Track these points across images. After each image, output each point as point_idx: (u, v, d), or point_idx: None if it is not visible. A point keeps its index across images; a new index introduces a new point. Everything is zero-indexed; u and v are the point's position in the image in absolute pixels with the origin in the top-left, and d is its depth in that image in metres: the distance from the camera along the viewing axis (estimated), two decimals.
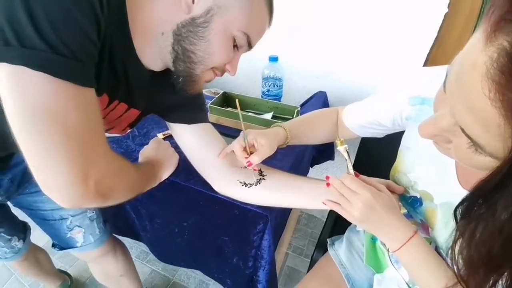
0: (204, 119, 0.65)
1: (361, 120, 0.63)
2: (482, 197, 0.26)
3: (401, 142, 0.57)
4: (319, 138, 0.70)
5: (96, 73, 0.38)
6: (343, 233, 0.79)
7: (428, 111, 0.49)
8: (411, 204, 0.53)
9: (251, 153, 0.57)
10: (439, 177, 0.48)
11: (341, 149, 0.51)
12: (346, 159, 0.51)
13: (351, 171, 0.50)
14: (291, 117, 0.90)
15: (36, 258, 0.96)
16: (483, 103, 0.23)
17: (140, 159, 0.70)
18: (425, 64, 0.96)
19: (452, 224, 0.45)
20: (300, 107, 0.90)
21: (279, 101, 1.01)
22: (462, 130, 0.27)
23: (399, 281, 0.58)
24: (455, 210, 0.29)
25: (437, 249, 0.49)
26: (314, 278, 0.66)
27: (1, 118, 0.43)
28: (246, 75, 1.10)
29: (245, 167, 0.64)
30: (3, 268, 1.28)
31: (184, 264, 1.00)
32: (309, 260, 1.33)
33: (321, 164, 1.20)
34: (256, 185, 0.61)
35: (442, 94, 0.29)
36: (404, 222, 0.46)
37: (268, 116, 0.88)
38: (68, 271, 1.24)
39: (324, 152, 1.15)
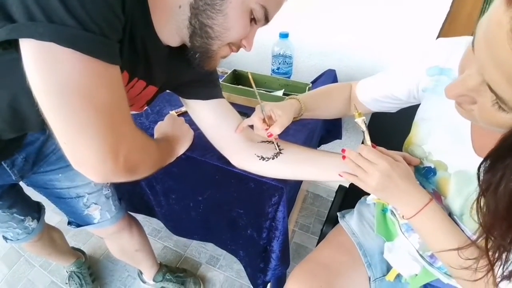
0: (220, 95, 0.65)
1: (375, 94, 0.64)
2: (507, 150, 0.27)
3: (416, 114, 0.58)
4: (332, 112, 0.71)
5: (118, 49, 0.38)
6: (352, 208, 0.82)
7: (445, 82, 0.50)
8: (424, 175, 0.54)
9: (270, 125, 0.59)
10: (454, 147, 0.49)
11: (359, 120, 0.52)
12: (363, 131, 0.52)
13: (369, 142, 0.52)
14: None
15: (50, 237, 0.97)
16: (509, 57, 0.26)
17: (156, 135, 0.72)
18: None
19: (466, 191, 0.47)
20: (311, 84, 0.90)
21: (289, 79, 1.02)
22: (489, 86, 0.28)
23: (409, 249, 0.61)
24: (478, 168, 0.31)
25: (450, 215, 0.51)
26: (327, 246, 0.69)
27: (22, 99, 0.43)
28: (256, 53, 1.10)
29: (263, 141, 0.66)
30: (11, 250, 1.31)
31: (197, 237, 1.03)
32: (316, 238, 1.38)
33: (328, 144, 1.22)
34: (273, 158, 0.63)
35: (469, 55, 0.31)
36: (420, 190, 0.48)
37: (279, 93, 0.89)
38: (82, 249, 1.28)
39: (332, 132, 1.16)
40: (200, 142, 0.77)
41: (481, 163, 0.31)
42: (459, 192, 0.49)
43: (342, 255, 0.65)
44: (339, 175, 0.55)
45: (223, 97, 0.66)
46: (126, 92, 0.50)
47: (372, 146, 0.51)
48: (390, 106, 0.64)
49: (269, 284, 0.99)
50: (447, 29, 0.93)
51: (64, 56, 0.31)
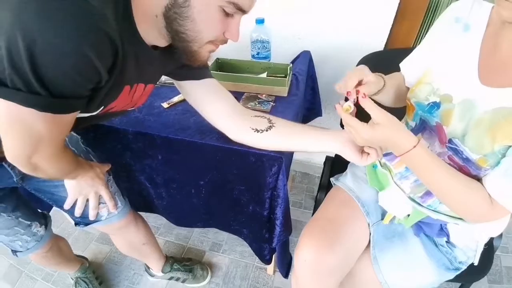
0: (210, 75, 0.71)
1: (419, 70, 0.67)
2: None
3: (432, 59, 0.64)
4: (396, 100, 0.74)
5: (113, 78, 0.47)
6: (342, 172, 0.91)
7: (458, 30, 0.60)
8: (428, 111, 0.62)
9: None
10: (461, 79, 0.57)
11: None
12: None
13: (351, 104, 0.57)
14: (283, 75, 0.98)
15: (58, 246, 0.97)
16: None
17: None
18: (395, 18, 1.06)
19: (468, 115, 0.55)
20: (291, 64, 0.97)
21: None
22: None
23: (400, 194, 0.69)
24: None
25: (451, 140, 0.59)
26: (329, 204, 0.77)
27: None
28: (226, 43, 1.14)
29: (256, 116, 0.72)
30: (12, 268, 1.28)
31: (200, 224, 1.08)
32: (310, 211, 1.47)
33: (310, 122, 1.29)
34: (267, 131, 0.69)
35: None
36: (409, 133, 0.54)
37: (263, 75, 0.96)
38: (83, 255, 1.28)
39: (313, 110, 1.24)
40: (198, 127, 0.81)
41: None
42: (462, 117, 0.56)
43: (343, 209, 0.73)
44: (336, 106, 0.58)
45: (213, 77, 0.72)
46: (130, 100, 0.60)
47: (363, 95, 0.55)
48: None
49: (273, 258, 1.06)
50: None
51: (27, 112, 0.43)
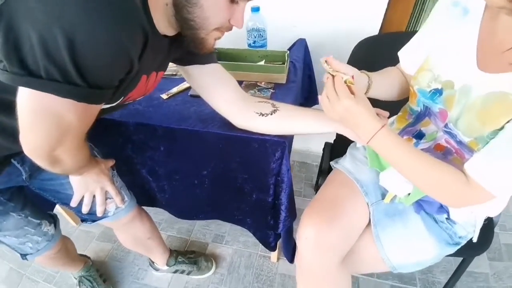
0: (215, 60, 0.71)
1: (417, 58, 0.68)
2: None
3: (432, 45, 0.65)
4: (393, 93, 0.75)
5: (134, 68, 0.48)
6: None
7: (457, 14, 0.59)
8: (430, 97, 0.63)
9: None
10: (461, 65, 0.58)
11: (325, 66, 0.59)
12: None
13: (343, 75, 0.58)
14: (281, 62, 0.98)
15: (65, 247, 0.96)
16: None
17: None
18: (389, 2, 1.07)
19: (464, 100, 0.57)
20: (288, 51, 0.97)
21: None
22: None
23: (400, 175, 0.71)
24: None
25: (447, 125, 0.60)
26: (329, 186, 0.78)
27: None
28: (232, 30, 1.14)
29: (259, 101, 0.73)
30: (12, 271, 1.26)
31: (203, 216, 1.08)
32: (309, 199, 1.49)
33: None
34: (271, 114, 0.70)
35: None
36: (373, 119, 0.56)
37: (261, 63, 0.96)
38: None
39: (309, 98, 1.25)
40: (199, 116, 0.81)
41: None
42: (458, 102, 0.58)
43: (342, 190, 0.74)
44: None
45: (218, 63, 0.72)
46: (145, 89, 0.62)
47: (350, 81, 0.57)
48: None
49: (277, 246, 1.07)
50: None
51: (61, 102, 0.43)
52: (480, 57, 0.55)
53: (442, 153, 0.65)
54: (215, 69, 0.71)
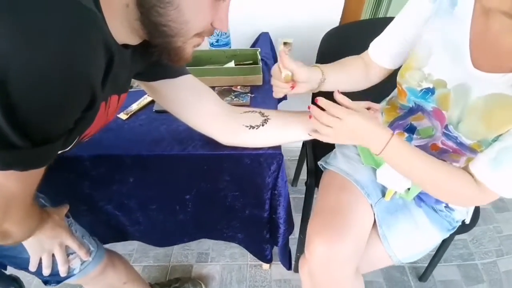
0: (187, 71, 0.59)
1: (390, 48, 0.65)
2: None
3: (414, 44, 0.62)
4: (353, 84, 0.72)
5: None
6: (326, 153, 0.88)
7: (446, 4, 0.56)
8: (422, 97, 0.60)
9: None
10: (453, 63, 0.55)
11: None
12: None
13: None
14: (252, 61, 0.89)
15: None
16: None
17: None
18: None
19: (463, 101, 0.54)
20: (259, 48, 0.88)
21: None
22: None
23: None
24: None
25: (447, 126, 0.59)
26: (328, 193, 0.73)
27: None
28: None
29: (245, 112, 0.64)
30: None
31: (187, 238, 0.97)
32: (292, 197, 1.45)
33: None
34: (263, 125, 0.62)
35: None
36: (381, 129, 0.54)
37: (231, 64, 0.85)
38: None
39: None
40: (173, 136, 0.69)
41: None
42: (457, 103, 0.56)
43: (344, 195, 0.70)
44: (309, 134, 0.60)
45: (190, 73, 0.60)
46: (105, 117, 0.49)
47: (315, 100, 0.55)
48: (404, 56, 0.65)
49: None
50: None
51: None
52: (475, 54, 0.53)
53: (437, 152, 0.64)
54: (188, 81, 0.59)
